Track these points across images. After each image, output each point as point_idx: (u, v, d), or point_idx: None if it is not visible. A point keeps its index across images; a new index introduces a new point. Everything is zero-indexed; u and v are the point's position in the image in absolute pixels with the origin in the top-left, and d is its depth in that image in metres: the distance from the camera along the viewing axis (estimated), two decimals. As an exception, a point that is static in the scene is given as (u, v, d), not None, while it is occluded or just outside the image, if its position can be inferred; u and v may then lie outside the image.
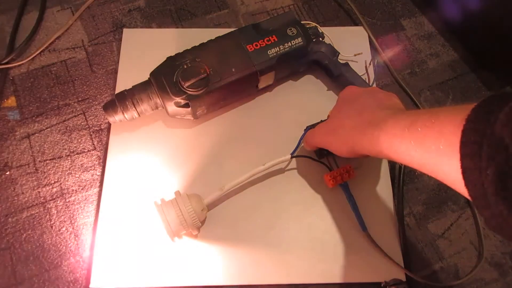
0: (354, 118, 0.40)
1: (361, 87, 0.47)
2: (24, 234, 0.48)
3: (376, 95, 0.41)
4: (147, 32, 0.61)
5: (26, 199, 0.50)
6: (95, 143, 0.53)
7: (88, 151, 0.53)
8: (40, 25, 0.61)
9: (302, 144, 0.50)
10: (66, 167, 0.52)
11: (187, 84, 0.47)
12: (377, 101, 0.40)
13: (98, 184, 0.51)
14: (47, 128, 0.54)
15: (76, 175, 0.51)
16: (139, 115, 0.50)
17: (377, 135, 0.36)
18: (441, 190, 0.53)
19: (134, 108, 0.49)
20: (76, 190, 0.50)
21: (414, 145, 0.32)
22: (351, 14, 0.64)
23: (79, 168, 0.52)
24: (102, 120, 0.55)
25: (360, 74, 0.55)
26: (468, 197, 0.26)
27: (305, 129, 0.50)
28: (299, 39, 0.53)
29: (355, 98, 0.43)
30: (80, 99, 0.56)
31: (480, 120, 0.25)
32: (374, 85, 0.57)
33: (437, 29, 0.64)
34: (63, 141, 0.53)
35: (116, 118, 0.49)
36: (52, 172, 0.51)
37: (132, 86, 0.50)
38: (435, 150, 0.29)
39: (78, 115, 0.55)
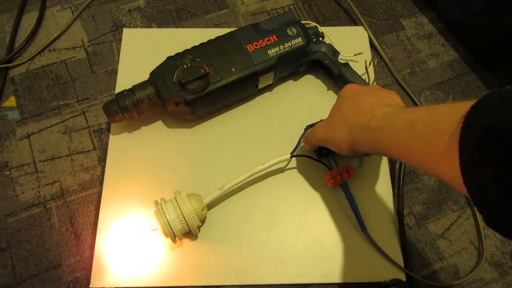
0: (354, 115, 0.40)
1: None
2: (24, 234, 0.48)
3: (376, 93, 0.41)
4: (147, 32, 0.61)
5: (26, 199, 0.50)
6: (95, 143, 0.53)
7: (88, 151, 0.53)
8: (40, 25, 0.61)
9: (302, 144, 0.50)
10: (66, 167, 0.52)
11: (187, 84, 0.47)
12: (377, 99, 0.40)
13: (98, 184, 0.51)
14: (47, 128, 0.54)
15: (76, 175, 0.51)
16: (139, 115, 0.50)
17: (376, 133, 0.36)
18: (441, 190, 0.53)
19: (134, 108, 0.49)
20: (76, 190, 0.50)
21: (414, 142, 0.32)
22: (351, 14, 0.64)
23: (79, 168, 0.52)
24: (102, 120, 0.55)
25: (360, 74, 0.55)
26: (467, 195, 0.26)
27: (305, 129, 0.50)
28: (299, 39, 0.53)
29: (355, 96, 0.43)
30: (80, 99, 0.56)
31: (479, 117, 0.25)
32: (374, 84, 0.57)
33: (437, 29, 0.64)
34: (63, 141, 0.53)
35: (116, 118, 0.49)
36: (52, 172, 0.51)
37: (132, 86, 0.50)
38: (434, 147, 0.29)
39: (78, 115, 0.55)
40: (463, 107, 0.27)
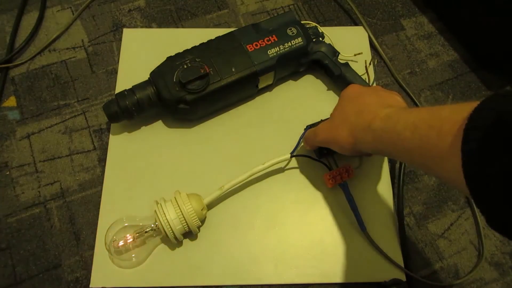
0: (356, 116, 0.40)
1: None
2: (24, 234, 0.48)
3: (378, 93, 0.42)
4: (147, 32, 0.61)
5: (26, 199, 0.50)
6: (95, 143, 0.53)
7: (88, 151, 0.53)
8: (40, 25, 0.61)
9: (302, 144, 0.50)
10: (66, 167, 0.52)
11: (187, 84, 0.47)
12: (379, 99, 0.40)
13: (98, 184, 0.51)
14: (47, 128, 0.54)
15: (76, 175, 0.51)
16: (139, 115, 0.50)
17: (378, 134, 0.36)
18: (441, 190, 0.53)
19: (134, 108, 0.49)
20: (76, 190, 0.50)
21: (416, 143, 0.32)
22: (351, 14, 0.64)
23: (79, 168, 0.52)
24: (102, 120, 0.55)
25: (360, 74, 0.55)
26: (470, 196, 0.26)
27: (305, 129, 0.50)
28: (299, 39, 0.53)
29: (357, 97, 0.43)
30: (80, 99, 0.56)
31: (483, 118, 0.25)
32: (374, 85, 0.57)
33: (437, 29, 0.64)
34: (63, 141, 0.53)
35: (116, 118, 0.49)
36: (52, 172, 0.51)
37: (132, 86, 0.50)
38: (436, 149, 0.29)
39: (78, 115, 0.55)
40: (466, 108, 0.27)
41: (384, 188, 0.51)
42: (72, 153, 0.53)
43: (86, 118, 0.55)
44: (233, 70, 0.50)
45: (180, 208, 0.43)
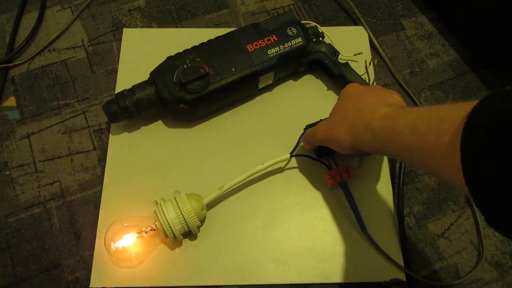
0: (355, 115, 0.40)
1: None
2: (24, 234, 0.48)
3: (377, 93, 0.42)
4: (147, 32, 0.61)
5: (26, 199, 0.50)
6: (95, 143, 0.53)
7: (88, 151, 0.53)
8: (40, 25, 0.61)
9: (302, 143, 0.50)
10: (66, 167, 0.52)
11: (187, 84, 0.47)
12: (378, 99, 0.40)
13: (98, 184, 0.51)
14: (47, 128, 0.54)
15: (76, 175, 0.51)
16: (139, 115, 0.50)
17: (377, 133, 0.36)
18: (441, 190, 0.53)
19: (134, 108, 0.49)
20: (76, 190, 0.50)
21: (415, 142, 0.32)
22: (351, 14, 0.64)
23: (79, 168, 0.52)
24: (102, 120, 0.55)
25: (360, 74, 0.55)
26: (469, 195, 0.26)
27: (304, 128, 0.50)
28: (299, 39, 0.53)
29: (357, 96, 0.43)
30: (80, 99, 0.56)
31: (482, 117, 0.25)
32: (374, 84, 0.57)
33: (437, 29, 0.64)
34: (63, 141, 0.53)
35: (116, 118, 0.49)
36: (52, 172, 0.51)
37: (132, 86, 0.50)
38: (435, 148, 0.29)
39: (78, 115, 0.55)
40: (465, 107, 0.27)
41: (384, 188, 0.51)
42: (72, 153, 0.53)
43: (86, 118, 0.55)
44: (233, 70, 0.50)
45: (179, 208, 0.43)
